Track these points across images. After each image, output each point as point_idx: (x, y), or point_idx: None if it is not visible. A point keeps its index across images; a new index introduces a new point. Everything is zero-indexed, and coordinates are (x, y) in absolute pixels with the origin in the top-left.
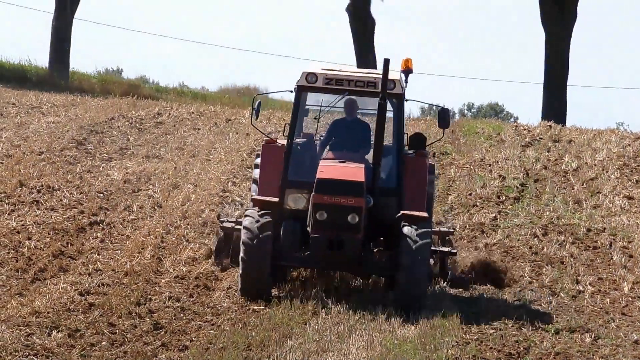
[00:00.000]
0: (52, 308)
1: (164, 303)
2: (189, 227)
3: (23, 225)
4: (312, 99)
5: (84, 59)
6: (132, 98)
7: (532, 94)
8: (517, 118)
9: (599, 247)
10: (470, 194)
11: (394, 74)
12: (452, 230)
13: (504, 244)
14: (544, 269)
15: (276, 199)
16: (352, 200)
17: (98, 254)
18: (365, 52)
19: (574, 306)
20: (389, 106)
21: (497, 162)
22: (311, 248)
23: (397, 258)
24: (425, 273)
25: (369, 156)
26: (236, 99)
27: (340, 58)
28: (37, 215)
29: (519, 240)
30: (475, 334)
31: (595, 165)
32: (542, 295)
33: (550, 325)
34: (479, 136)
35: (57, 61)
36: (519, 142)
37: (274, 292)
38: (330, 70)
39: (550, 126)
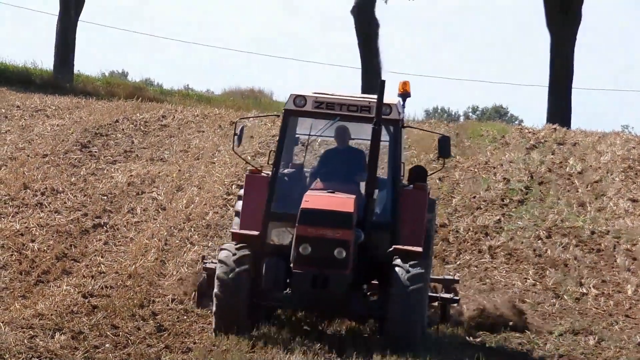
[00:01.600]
0: (56, 310)
1: (167, 305)
2: (192, 229)
3: (27, 227)
4: (303, 126)
5: (89, 61)
6: (137, 101)
7: (537, 96)
8: (521, 121)
9: (603, 250)
10: (474, 197)
11: (391, 98)
12: (457, 278)
13: (507, 246)
14: (548, 272)
15: (257, 233)
16: (339, 232)
17: (102, 257)
18: (370, 55)
19: (577, 309)
20: (384, 133)
21: (502, 165)
22: (293, 285)
23: (388, 299)
24: (418, 318)
25: (363, 186)
26: (241, 102)
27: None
28: (40, 218)
29: (522, 242)
30: (478, 336)
31: (599, 168)
32: (546, 297)
33: (554, 328)
34: (483, 139)
35: (61, 64)
36: (524, 145)
37: (255, 333)
38: (320, 93)
39: (555, 129)
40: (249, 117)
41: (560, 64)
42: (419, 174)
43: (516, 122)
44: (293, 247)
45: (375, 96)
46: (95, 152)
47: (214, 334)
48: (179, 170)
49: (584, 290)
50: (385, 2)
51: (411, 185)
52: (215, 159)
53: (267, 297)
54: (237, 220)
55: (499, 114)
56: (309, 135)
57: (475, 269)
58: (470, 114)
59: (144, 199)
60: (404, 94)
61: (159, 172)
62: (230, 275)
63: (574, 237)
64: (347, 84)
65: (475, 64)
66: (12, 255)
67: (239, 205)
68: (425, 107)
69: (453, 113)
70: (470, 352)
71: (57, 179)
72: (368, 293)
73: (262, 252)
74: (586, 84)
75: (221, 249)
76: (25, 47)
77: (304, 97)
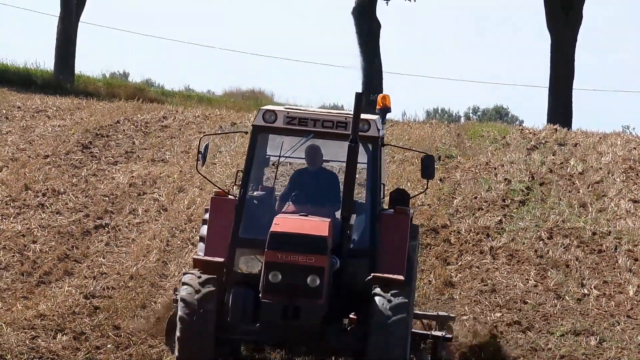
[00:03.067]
0: (57, 311)
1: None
2: (194, 230)
3: (28, 228)
4: (273, 145)
5: (90, 62)
6: (138, 101)
7: (538, 97)
8: (522, 121)
9: (604, 251)
10: (475, 197)
11: (370, 115)
12: (452, 315)
13: (509, 247)
14: (549, 272)
15: (221, 259)
16: (312, 258)
17: (103, 257)
18: (370, 55)
19: (579, 309)
20: (362, 152)
21: (503, 166)
22: (262, 317)
23: (367, 332)
24: (402, 339)
25: (339, 213)
26: (241, 103)
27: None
28: (42, 219)
29: (524, 243)
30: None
31: (600, 168)
32: (547, 298)
33: (555, 329)
34: (484, 139)
35: (62, 64)
36: (525, 146)
37: None
38: (292, 108)
39: (555, 129)
40: (214, 134)
41: (560, 64)
42: (400, 197)
43: (517, 123)
44: (262, 274)
45: (352, 112)
46: (97, 153)
47: None
48: (180, 171)
49: (586, 291)
50: (387, 3)
51: (392, 210)
52: (217, 160)
53: (234, 330)
54: (201, 245)
55: (499, 114)
56: (280, 155)
57: (477, 269)
58: (471, 114)
59: (145, 199)
60: (384, 109)
61: (160, 173)
62: (193, 317)
63: (576, 237)
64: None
65: (476, 65)
66: (13, 256)
67: (204, 230)
68: (426, 107)
69: (454, 114)
70: None
71: (59, 179)
72: (347, 328)
73: (228, 282)
74: (587, 84)
75: (183, 283)
76: (26, 47)
77: (274, 112)
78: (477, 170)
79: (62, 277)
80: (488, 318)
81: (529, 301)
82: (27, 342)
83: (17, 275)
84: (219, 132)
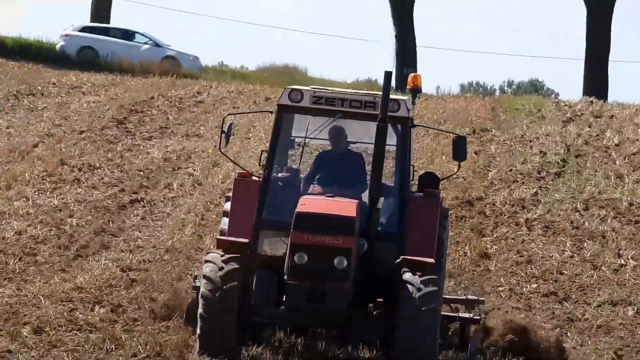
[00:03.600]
0: (95, 284)
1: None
2: None
3: (65, 203)
4: (299, 126)
5: None
6: (172, 77)
7: (573, 70)
8: (557, 94)
9: None
10: (510, 170)
11: (400, 96)
12: (482, 299)
13: (545, 219)
14: (586, 244)
15: (246, 240)
16: (339, 240)
17: (139, 231)
18: (404, 29)
19: (615, 280)
20: (391, 134)
21: (538, 138)
22: (286, 300)
23: (396, 320)
24: (431, 330)
25: (365, 195)
26: (275, 78)
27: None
28: (78, 194)
29: (560, 215)
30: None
31: (637, 140)
32: (584, 269)
33: (592, 299)
34: (519, 112)
35: None
36: (560, 118)
37: (244, 351)
38: (319, 88)
39: (591, 102)
40: (237, 113)
41: (596, 35)
42: (430, 180)
43: (552, 96)
44: (287, 256)
45: (381, 92)
46: (131, 128)
47: (198, 342)
48: (215, 146)
49: (622, 262)
50: None
51: (421, 193)
52: (251, 135)
53: (258, 313)
54: (225, 220)
55: (534, 87)
56: (305, 137)
57: (512, 241)
58: (506, 87)
59: (180, 174)
60: (415, 89)
61: (195, 148)
62: (216, 295)
63: (612, 209)
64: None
65: (511, 38)
66: (50, 230)
67: (228, 205)
68: (461, 81)
69: (488, 87)
70: None
71: (94, 155)
72: (373, 312)
73: (252, 264)
74: (623, 56)
75: (206, 261)
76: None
77: (300, 92)
78: (512, 143)
79: (98, 250)
80: (524, 289)
81: (565, 272)
82: (65, 314)
83: (55, 249)
84: (243, 111)
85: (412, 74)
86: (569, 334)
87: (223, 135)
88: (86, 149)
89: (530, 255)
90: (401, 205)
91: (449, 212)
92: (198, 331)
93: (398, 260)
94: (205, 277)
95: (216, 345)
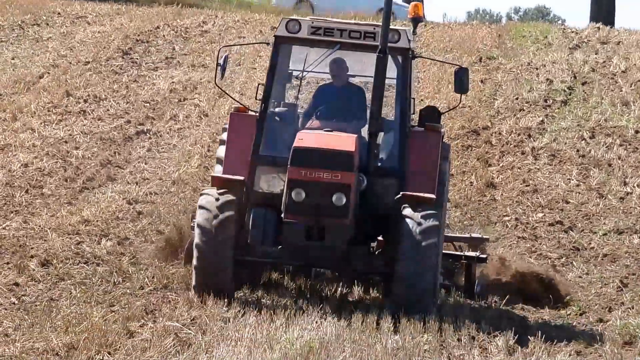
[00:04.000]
0: (101, 217)
1: None
2: None
3: (70, 135)
4: (296, 59)
5: None
6: (177, 7)
7: None
8: (564, 21)
9: None
10: (517, 98)
11: (400, 26)
12: (486, 237)
13: (551, 147)
14: (592, 172)
15: (241, 178)
16: (338, 175)
17: (145, 163)
18: None
19: (621, 208)
20: (391, 65)
21: (544, 66)
22: (284, 238)
23: (396, 255)
24: (433, 265)
25: (365, 130)
26: (281, 7)
27: None
28: (84, 125)
29: (566, 143)
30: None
31: None
32: (590, 197)
33: (598, 228)
34: (525, 40)
35: None
36: (567, 45)
37: (239, 294)
38: (317, 18)
39: (598, 28)
40: (233, 45)
41: None
42: (431, 114)
43: (559, 22)
44: (284, 193)
45: (380, 22)
46: (137, 59)
47: (193, 290)
48: (221, 77)
49: (629, 190)
50: None
51: (422, 128)
52: (257, 65)
53: (254, 252)
54: (218, 168)
55: (541, 14)
56: (303, 70)
57: (518, 170)
58: (513, 14)
59: (186, 105)
60: (416, 18)
61: (201, 79)
62: (213, 223)
63: (618, 136)
64: None
65: None
66: (56, 162)
67: (221, 150)
68: (467, 8)
69: (495, 14)
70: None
71: (100, 86)
72: (375, 252)
73: (248, 202)
74: None
75: (202, 194)
76: None
77: (298, 22)
78: (518, 71)
79: (105, 182)
80: (530, 219)
81: (571, 201)
82: (72, 247)
83: (61, 182)
84: (238, 43)
85: (413, 3)
86: (574, 263)
87: (219, 67)
88: (92, 80)
89: (536, 184)
90: (402, 140)
91: (454, 143)
92: (194, 262)
93: (398, 196)
94: (199, 225)
95: (213, 278)
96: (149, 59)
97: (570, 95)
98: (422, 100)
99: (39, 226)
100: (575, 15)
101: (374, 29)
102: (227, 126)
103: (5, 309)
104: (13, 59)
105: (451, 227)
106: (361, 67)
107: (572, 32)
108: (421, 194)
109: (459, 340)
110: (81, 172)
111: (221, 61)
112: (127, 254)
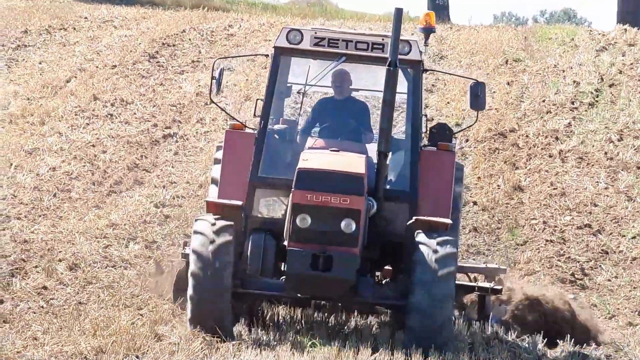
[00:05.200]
0: (129, 220)
1: None
2: None
3: (98, 138)
4: (297, 71)
5: None
6: (203, 10)
7: None
8: (591, 23)
9: None
10: (543, 101)
11: (410, 36)
12: (503, 268)
13: (578, 150)
14: (620, 175)
15: (239, 203)
16: (347, 199)
17: (172, 167)
18: None
19: None
20: (401, 78)
21: (571, 68)
22: (288, 267)
23: (410, 277)
24: (449, 295)
25: (371, 148)
26: (306, 10)
27: None
28: (111, 129)
29: (593, 146)
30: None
31: None
32: (618, 200)
33: (626, 231)
34: (552, 42)
35: None
36: (593, 47)
37: (237, 329)
38: (321, 28)
39: (625, 30)
40: (229, 57)
41: None
42: (442, 132)
43: (585, 24)
44: (288, 219)
45: (389, 33)
46: (163, 62)
47: (188, 324)
48: (247, 80)
49: None
50: None
51: (433, 147)
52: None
53: (254, 283)
54: (213, 189)
55: (567, 16)
56: (305, 84)
57: (546, 173)
58: (539, 17)
59: (212, 108)
60: (428, 28)
61: (227, 82)
62: (209, 248)
63: None
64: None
65: None
66: (84, 166)
67: (216, 170)
68: (493, 11)
69: (521, 17)
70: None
71: (126, 89)
72: (381, 282)
73: (247, 229)
74: None
75: (195, 232)
76: None
77: (299, 32)
78: (545, 73)
79: (132, 186)
80: (558, 222)
81: (599, 204)
82: (100, 250)
83: (89, 185)
84: (234, 55)
85: (425, 12)
86: (603, 266)
87: (214, 81)
88: (118, 84)
89: (564, 187)
90: (413, 160)
91: (481, 146)
92: (190, 292)
93: (411, 221)
94: (194, 251)
95: (210, 315)
96: (175, 62)
97: (597, 97)
98: (428, 120)
99: (67, 230)
100: (601, 17)
101: (383, 39)
102: (222, 144)
103: (34, 313)
104: (40, 63)
105: (478, 230)
106: (364, 81)
107: (599, 34)
108: (436, 219)
109: None
110: (108, 176)
111: (216, 74)
112: (155, 257)
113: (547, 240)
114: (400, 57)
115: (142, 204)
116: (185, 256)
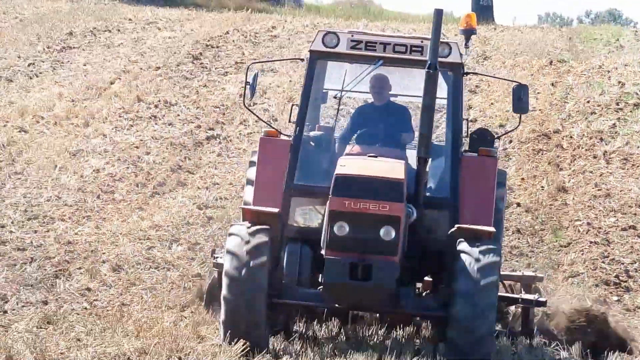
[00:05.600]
0: (172, 222)
1: None
2: None
3: (141, 140)
4: (333, 76)
5: None
6: (247, 12)
7: None
8: (636, 23)
9: None
10: (588, 102)
11: (450, 38)
12: (540, 276)
13: (623, 151)
14: None
15: (276, 210)
16: (386, 206)
17: (215, 168)
18: None
19: None
20: (442, 82)
21: (616, 69)
22: (325, 276)
23: (451, 287)
24: (492, 306)
25: (411, 154)
26: (350, 11)
27: None
28: (154, 130)
29: (638, 147)
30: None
31: None
32: None
33: None
34: (597, 42)
35: None
36: (639, 48)
37: (273, 342)
38: (358, 31)
39: None
40: (264, 61)
41: None
42: (483, 138)
43: (631, 25)
44: (325, 226)
45: (429, 36)
46: (207, 64)
47: (222, 328)
48: (290, 81)
49: None
50: None
51: (474, 153)
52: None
53: (291, 293)
54: (249, 189)
55: (613, 17)
56: (342, 90)
57: (590, 174)
58: (584, 18)
59: (255, 110)
60: (469, 30)
61: (270, 83)
62: (243, 273)
63: None
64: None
65: None
66: (127, 167)
67: (251, 171)
68: (538, 12)
69: (566, 18)
70: None
71: (170, 91)
72: (422, 294)
73: (283, 238)
74: None
75: (230, 234)
76: None
77: (336, 35)
78: (589, 74)
79: (175, 188)
80: (602, 223)
81: None
82: (143, 252)
83: (132, 187)
84: (269, 59)
85: (466, 13)
86: None
87: (248, 87)
88: (162, 85)
89: (609, 189)
90: (454, 166)
91: (525, 147)
92: (222, 317)
93: (452, 229)
94: (229, 252)
95: (244, 332)
96: (218, 64)
97: None
98: (469, 125)
99: (111, 231)
100: None
101: (422, 42)
102: (257, 150)
103: (78, 314)
104: (85, 65)
105: (522, 231)
106: (404, 86)
107: None
108: (479, 227)
109: None
110: (152, 177)
111: (250, 80)
112: (198, 258)
113: (591, 242)
114: (440, 59)
115: (185, 205)
116: (217, 265)
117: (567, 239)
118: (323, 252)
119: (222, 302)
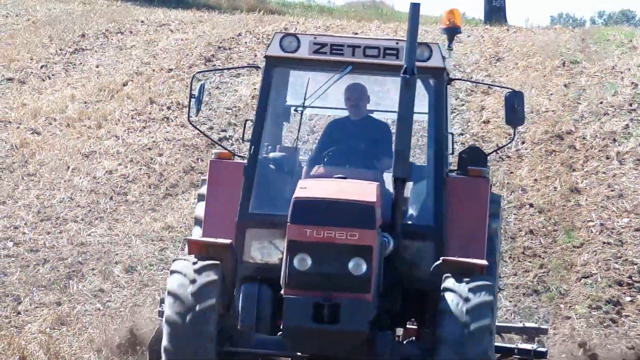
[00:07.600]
0: (185, 223)
1: None
2: (316, 142)
3: (154, 141)
4: (295, 87)
5: None
6: (259, 13)
7: None
8: None
9: None
10: (601, 102)
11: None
12: (545, 327)
13: (636, 152)
14: None
15: (228, 241)
16: (355, 234)
17: None
18: None
19: None
20: (420, 89)
21: (630, 70)
22: (285, 320)
23: (435, 333)
24: (484, 354)
25: (388, 177)
26: (362, 13)
27: None
28: (167, 132)
29: None
30: None
31: None
32: None
33: None
34: (610, 43)
35: None
36: None
37: None
38: (322, 33)
39: None
40: (212, 70)
41: None
42: (473, 157)
43: None
44: (284, 260)
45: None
46: (219, 65)
47: None
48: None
49: None
50: None
51: (462, 174)
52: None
53: (247, 341)
54: (197, 230)
55: (626, 17)
56: (303, 106)
57: (603, 175)
58: (597, 18)
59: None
60: (451, 29)
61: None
62: (187, 319)
63: None
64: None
65: None
66: (140, 169)
67: (200, 208)
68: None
69: (579, 18)
70: None
71: (183, 93)
72: (403, 341)
73: (237, 274)
74: None
75: (172, 272)
76: None
77: (295, 38)
78: (602, 75)
79: (188, 189)
80: (615, 224)
81: None
82: (156, 253)
83: (145, 188)
84: (217, 68)
85: (447, 10)
86: None
87: (193, 100)
88: (175, 87)
89: (622, 190)
90: (437, 189)
91: (537, 148)
92: None
93: (437, 262)
94: (170, 293)
95: None
96: (231, 65)
97: None
98: (456, 142)
99: (123, 233)
100: None
101: (397, 43)
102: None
103: (91, 315)
104: (97, 67)
105: (534, 232)
106: (380, 99)
107: None
108: (468, 260)
109: None
110: (164, 179)
111: (195, 92)
112: None
113: (604, 243)
114: (419, 64)
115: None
116: (162, 314)
117: (580, 240)
118: (282, 291)
119: (163, 354)
